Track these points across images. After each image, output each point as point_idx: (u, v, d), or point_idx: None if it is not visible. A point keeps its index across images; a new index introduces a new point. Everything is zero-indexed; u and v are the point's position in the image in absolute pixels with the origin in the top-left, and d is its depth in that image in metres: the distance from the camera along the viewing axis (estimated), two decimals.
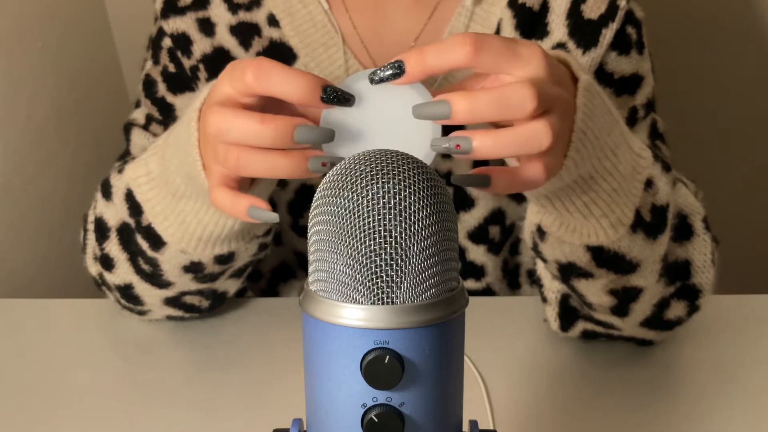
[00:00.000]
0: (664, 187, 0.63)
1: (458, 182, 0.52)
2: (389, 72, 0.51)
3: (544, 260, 0.67)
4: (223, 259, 0.70)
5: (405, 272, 0.37)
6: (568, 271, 0.66)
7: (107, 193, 0.73)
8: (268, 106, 0.54)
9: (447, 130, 0.51)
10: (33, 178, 1.10)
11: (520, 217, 0.80)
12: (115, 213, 0.72)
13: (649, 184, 0.61)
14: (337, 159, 0.52)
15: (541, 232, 0.64)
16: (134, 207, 0.70)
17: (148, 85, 0.81)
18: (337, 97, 0.51)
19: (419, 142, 0.52)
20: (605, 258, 0.63)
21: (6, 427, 0.70)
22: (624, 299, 0.67)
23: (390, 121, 0.52)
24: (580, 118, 0.54)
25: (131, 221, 0.71)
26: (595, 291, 0.66)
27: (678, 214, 0.67)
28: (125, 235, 0.72)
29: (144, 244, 0.70)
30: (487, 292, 0.87)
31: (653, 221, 0.63)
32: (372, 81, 0.51)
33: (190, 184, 0.63)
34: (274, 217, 0.54)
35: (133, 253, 0.72)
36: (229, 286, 0.78)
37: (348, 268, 0.37)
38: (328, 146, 0.53)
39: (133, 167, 0.70)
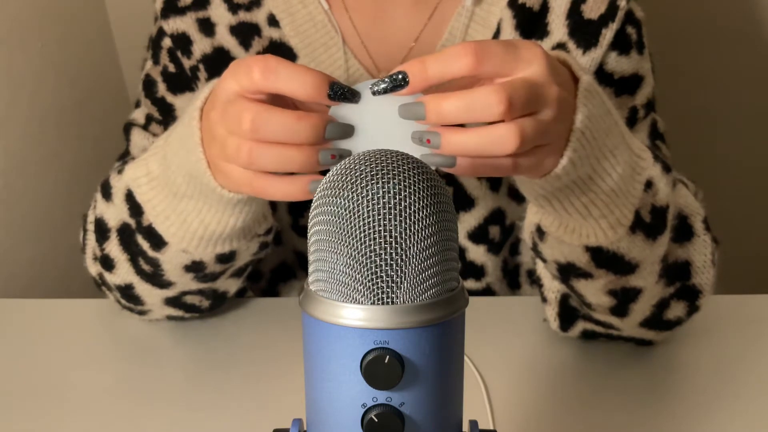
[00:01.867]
0: (664, 188, 0.63)
1: (425, 161, 0.52)
2: (391, 84, 0.51)
3: (544, 260, 0.67)
4: (225, 258, 0.70)
5: (405, 272, 0.37)
6: (567, 272, 0.66)
7: (107, 194, 0.73)
8: (273, 102, 0.54)
9: None
10: (33, 178, 1.10)
11: (520, 217, 0.80)
12: (115, 213, 0.72)
13: (648, 185, 0.61)
14: (344, 152, 0.53)
15: (540, 232, 0.64)
16: (135, 207, 0.70)
17: (148, 85, 0.81)
18: (344, 93, 0.52)
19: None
20: (604, 258, 0.63)
21: (6, 427, 0.70)
22: (623, 300, 0.67)
23: (392, 123, 0.53)
24: (579, 118, 0.54)
25: (132, 222, 0.71)
26: (594, 291, 0.66)
27: (678, 215, 0.67)
28: (125, 235, 0.72)
29: (145, 245, 0.70)
30: (487, 292, 0.87)
31: (653, 222, 0.63)
32: (374, 92, 0.52)
33: (192, 183, 0.63)
34: None
35: (133, 253, 0.72)
36: (230, 285, 0.78)
37: (348, 268, 0.37)
38: (333, 143, 0.54)
39: (132, 168, 0.70)
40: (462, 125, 0.52)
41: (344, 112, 0.53)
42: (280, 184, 0.56)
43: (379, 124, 0.53)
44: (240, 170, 0.57)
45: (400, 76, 0.51)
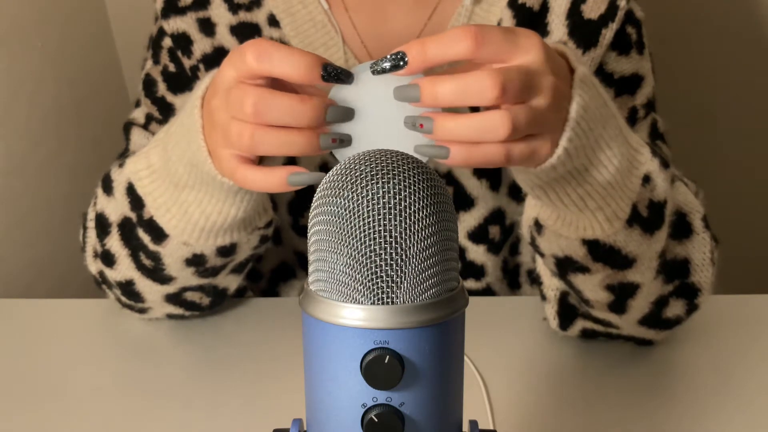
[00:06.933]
0: (662, 184, 0.63)
1: (419, 152, 0.53)
2: (391, 64, 0.52)
3: (542, 255, 0.67)
4: (225, 251, 0.70)
5: (405, 272, 0.37)
6: (565, 266, 0.66)
7: (108, 188, 0.73)
8: (272, 87, 0.55)
9: None
10: (33, 178, 1.10)
11: (520, 214, 0.80)
12: (116, 208, 0.72)
13: (646, 179, 0.62)
14: (344, 136, 0.54)
15: (538, 225, 0.64)
16: (135, 201, 0.70)
17: (148, 84, 0.81)
18: (337, 74, 0.52)
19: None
20: (601, 252, 0.63)
21: (6, 427, 0.70)
22: (621, 295, 0.67)
23: (392, 106, 0.53)
24: (573, 108, 0.54)
25: (132, 215, 0.71)
26: (592, 286, 0.66)
27: (677, 212, 0.68)
28: (126, 229, 0.72)
29: (146, 238, 0.70)
30: (487, 292, 0.87)
31: (650, 217, 0.63)
32: (374, 72, 0.52)
33: (193, 173, 0.63)
34: (319, 176, 0.54)
35: (134, 248, 0.72)
36: (230, 282, 0.78)
37: (348, 268, 0.37)
38: (333, 127, 0.54)
39: (134, 161, 0.70)
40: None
41: (343, 95, 0.53)
42: (260, 174, 0.56)
43: (378, 108, 0.53)
44: (228, 157, 0.57)
45: (399, 56, 0.51)
